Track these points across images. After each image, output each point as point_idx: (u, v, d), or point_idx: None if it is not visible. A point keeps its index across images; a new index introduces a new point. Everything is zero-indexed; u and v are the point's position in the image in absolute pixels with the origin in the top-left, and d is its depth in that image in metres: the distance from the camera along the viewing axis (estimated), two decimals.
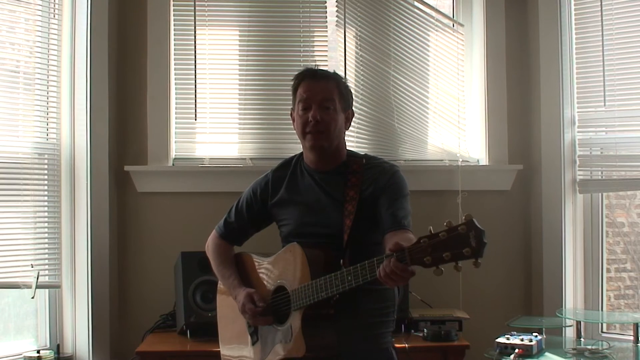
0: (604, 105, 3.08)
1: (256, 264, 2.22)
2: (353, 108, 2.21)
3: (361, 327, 2.02)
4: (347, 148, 2.20)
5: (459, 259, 1.56)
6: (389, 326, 2.13)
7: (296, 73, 2.17)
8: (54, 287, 2.94)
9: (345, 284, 1.82)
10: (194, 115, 3.19)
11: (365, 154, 2.21)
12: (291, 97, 2.17)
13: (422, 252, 1.61)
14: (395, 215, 1.98)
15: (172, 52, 3.18)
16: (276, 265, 2.12)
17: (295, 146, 3.18)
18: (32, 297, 2.81)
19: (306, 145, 2.12)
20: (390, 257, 1.67)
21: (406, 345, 2.61)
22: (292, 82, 2.17)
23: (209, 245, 2.36)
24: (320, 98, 2.07)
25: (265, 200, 2.23)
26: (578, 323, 2.97)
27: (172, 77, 3.19)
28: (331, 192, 2.10)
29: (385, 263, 1.68)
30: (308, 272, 1.94)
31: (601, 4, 3.05)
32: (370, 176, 2.08)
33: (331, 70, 2.26)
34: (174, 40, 3.19)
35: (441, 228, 1.60)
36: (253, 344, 2.14)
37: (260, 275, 2.18)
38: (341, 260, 1.96)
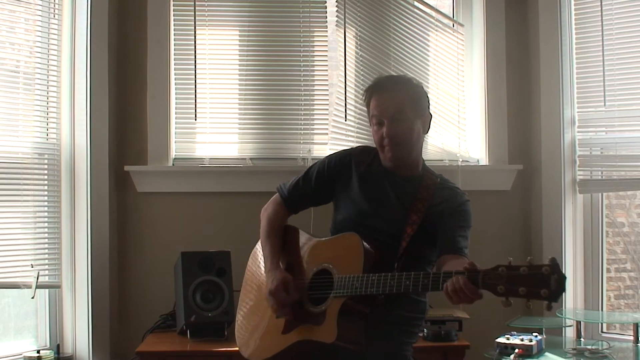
0: (604, 105, 3.08)
1: (304, 240, 2.19)
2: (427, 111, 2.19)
3: (388, 331, 2.02)
4: (425, 162, 2.20)
5: (533, 298, 1.57)
6: (413, 337, 2.14)
7: (367, 86, 2.19)
8: (54, 287, 2.94)
9: (401, 287, 1.81)
10: (194, 115, 3.19)
11: (441, 175, 2.20)
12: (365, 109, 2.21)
13: (497, 280, 1.61)
14: (457, 241, 1.98)
15: (172, 52, 3.18)
16: (326, 248, 2.09)
17: (296, 146, 3.21)
18: (32, 297, 2.81)
19: (384, 158, 2.12)
20: (462, 274, 1.66)
21: None
22: (363, 94, 2.20)
23: (268, 209, 2.31)
24: (391, 113, 2.07)
25: (337, 174, 2.21)
26: (578, 323, 2.97)
27: (172, 77, 3.19)
28: (400, 196, 2.10)
29: (455, 279, 1.67)
30: (361, 264, 1.92)
31: (601, 4, 3.05)
32: (441, 195, 2.08)
33: (400, 75, 2.27)
34: (174, 40, 3.19)
35: (521, 262, 1.60)
36: (277, 317, 2.11)
37: (305, 252, 2.15)
38: (395, 264, 1.96)
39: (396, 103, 2.08)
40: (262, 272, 2.23)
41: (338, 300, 1.93)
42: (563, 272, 1.56)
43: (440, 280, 1.73)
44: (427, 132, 2.18)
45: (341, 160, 2.24)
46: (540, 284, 1.55)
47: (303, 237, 2.22)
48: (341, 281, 1.93)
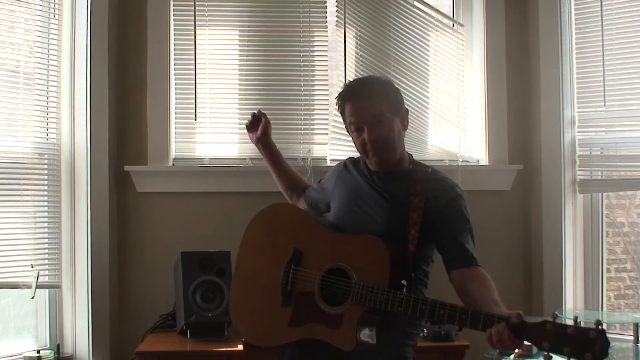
0: (604, 105, 3.08)
1: (319, 230, 2.09)
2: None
3: (393, 333, 2.00)
4: (412, 156, 2.19)
5: (575, 358, 1.57)
6: (414, 339, 2.12)
7: (338, 92, 2.17)
8: (54, 287, 2.94)
9: (434, 315, 1.79)
10: (194, 115, 3.19)
11: (432, 166, 2.18)
12: (340, 115, 2.19)
13: (543, 335, 1.62)
14: (466, 250, 1.97)
15: (172, 52, 3.18)
16: (344, 246, 2.01)
17: (295, 146, 3.21)
18: (32, 297, 2.81)
19: (370, 162, 2.12)
20: (506, 322, 1.67)
21: None
22: (337, 102, 2.17)
23: None
24: (369, 118, 2.05)
25: (332, 177, 2.29)
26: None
27: (172, 77, 3.19)
28: (391, 194, 2.08)
29: (501, 329, 1.67)
30: (387, 276, 1.87)
31: (601, 4, 3.05)
32: (435, 187, 2.06)
33: (368, 77, 2.25)
34: (174, 40, 3.19)
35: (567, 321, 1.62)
36: (282, 305, 2.05)
37: (319, 244, 2.06)
38: (412, 275, 1.95)
39: (372, 107, 2.05)
40: (261, 254, 2.16)
41: (358, 307, 1.89)
42: (608, 339, 1.56)
43: (480, 321, 1.71)
44: (407, 127, 2.15)
45: (336, 168, 2.31)
46: (586, 347, 1.55)
47: (318, 226, 2.11)
48: (362, 289, 1.88)
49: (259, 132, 2.60)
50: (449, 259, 2.00)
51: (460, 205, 2.05)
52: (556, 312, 1.65)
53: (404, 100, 2.19)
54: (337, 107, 2.17)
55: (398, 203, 2.06)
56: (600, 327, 1.56)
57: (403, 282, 1.92)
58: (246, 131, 2.75)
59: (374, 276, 1.89)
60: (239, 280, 2.20)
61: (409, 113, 3.24)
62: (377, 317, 1.92)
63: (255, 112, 2.61)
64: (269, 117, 3.19)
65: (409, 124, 3.05)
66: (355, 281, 1.92)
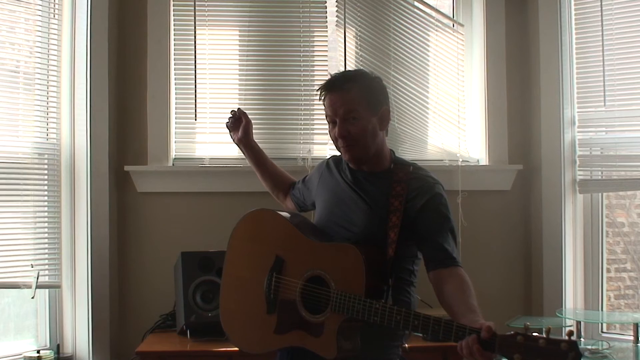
0: (604, 105, 3.08)
1: (297, 237, 2.07)
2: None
3: (376, 335, 1.99)
4: (394, 153, 2.14)
5: None
6: (399, 340, 2.10)
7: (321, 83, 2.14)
8: (54, 287, 2.94)
9: (408, 326, 1.79)
10: (194, 115, 3.19)
11: (414, 163, 2.13)
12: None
13: (514, 348, 1.58)
14: (445, 250, 1.94)
15: (172, 52, 3.19)
16: (321, 253, 1.99)
17: (295, 146, 3.21)
18: (32, 297, 2.81)
19: (344, 158, 2.10)
20: (477, 334, 1.64)
21: (406, 345, 2.60)
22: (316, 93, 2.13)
23: None
24: (342, 112, 2.01)
25: (316, 176, 2.26)
26: (578, 323, 2.97)
27: (172, 77, 3.19)
28: (370, 194, 2.05)
29: (471, 342, 1.64)
30: (363, 286, 1.87)
31: (601, 4, 3.05)
32: (414, 187, 2.01)
33: (355, 71, 2.18)
34: (174, 40, 3.19)
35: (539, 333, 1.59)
36: (268, 312, 2.04)
37: (298, 251, 2.04)
38: (389, 280, 1.93)
39: (347, 102, 2.01)
40: (245, 261, 2.16)
41: (337, 316, 1.89)
42: (581, 351, 1.53)
43: (452, 333, 1.70)
44: (386, 127, 2.09)
45: (319, 166, 2.27)
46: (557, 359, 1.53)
47: (299, 233, 2.09)
48: (340, 298, 1.88)
49: (239, 132, 2.47)
50: (428, 260, 1.97)
51: (439, 204, 2.00)
52: (528, 323, 1.62)
53: (389, 99, 2.13)
54: (320, 98, 2.11)
55: (377, 205, 2.02)
56: (572, 339, 1.53)
57: (384, 287, 1.91)
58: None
59: (351, 285, 1.88)
60: (227, 286, 2.19)
61: (410, 113, 3.25)
62: (359, 324, 1.91)
63: (235, 110, 2.50)
64: (269, 117, 3.21)
65: (409, 123, 3.04)
66: (333, 290, 1.91)
